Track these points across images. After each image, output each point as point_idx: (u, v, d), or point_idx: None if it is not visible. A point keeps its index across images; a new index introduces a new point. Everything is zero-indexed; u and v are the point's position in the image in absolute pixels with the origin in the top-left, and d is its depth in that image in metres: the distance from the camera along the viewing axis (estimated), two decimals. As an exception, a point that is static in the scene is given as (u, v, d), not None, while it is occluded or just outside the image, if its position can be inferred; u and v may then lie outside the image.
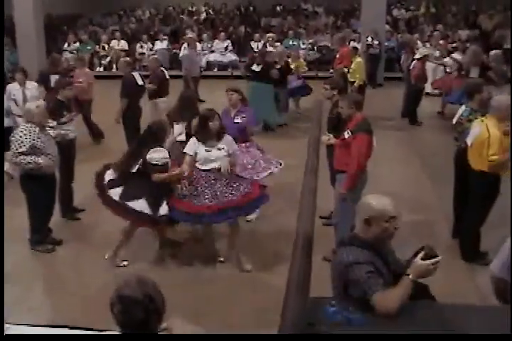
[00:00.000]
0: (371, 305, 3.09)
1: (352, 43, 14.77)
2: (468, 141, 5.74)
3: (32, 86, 9.12)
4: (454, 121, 6.42)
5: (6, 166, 7.47)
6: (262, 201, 5.69)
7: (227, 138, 5.75)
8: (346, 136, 5.57)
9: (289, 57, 12.26)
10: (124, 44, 18.31)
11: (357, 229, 3.38)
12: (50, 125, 6.49)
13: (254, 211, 6.31)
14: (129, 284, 2.35)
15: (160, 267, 5.77)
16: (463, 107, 6.38)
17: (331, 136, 6.01)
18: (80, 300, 5.21)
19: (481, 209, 5.72)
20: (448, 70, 12.66)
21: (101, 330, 3.30)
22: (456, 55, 12.51)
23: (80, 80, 10.14)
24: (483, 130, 5.50)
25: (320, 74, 16.01)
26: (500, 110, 5.48)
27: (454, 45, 14.70)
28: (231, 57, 17.77)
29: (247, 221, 6.58)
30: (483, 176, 5.56)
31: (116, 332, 2.42)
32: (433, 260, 3.13)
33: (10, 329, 3.87)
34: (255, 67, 10.93)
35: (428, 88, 13.27)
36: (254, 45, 17.31)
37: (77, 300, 5.23)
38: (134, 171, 5.63)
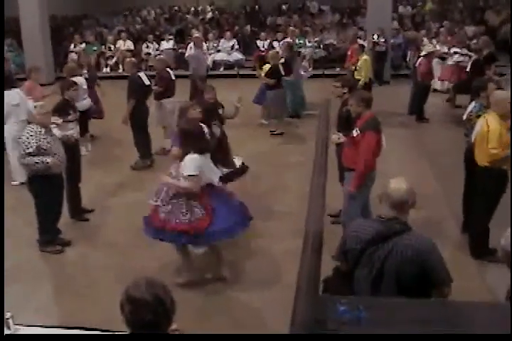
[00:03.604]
0: (446, 291, 3.22)
1: (358, 41, 14.74)
2: (473, 137, 5.77)
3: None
4: (464, 116, 6.41)
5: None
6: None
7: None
8: (355, 134, 5.55)
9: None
10: (130, 44, 18.36)
11: (399, 215, 3.32)
12: (57, 122, 6.48)
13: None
14: (138, 286, 2.34)
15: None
16: (473, 103, 6.37)
17: (341, 135, 5.99)
18: (89, 301, 5.22)
19: (487, 205, 5.69)
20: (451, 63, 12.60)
21: (106, 331, 3.30)
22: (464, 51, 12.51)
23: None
24: (483, 125, 5.52)
25: (326, 72, 15.99)
26: (498, 105, 5.48)
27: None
28: (237, 56, 17.79)
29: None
30: (487, 171, 5.54)
31: (126, 332, 2.41)
32: None
33: (21, 330, 3.88)
34: None
35: (436, 85, 13.25)
36: (260, 43, 17.29)
37: (85, 301, 5.24)
38: None
